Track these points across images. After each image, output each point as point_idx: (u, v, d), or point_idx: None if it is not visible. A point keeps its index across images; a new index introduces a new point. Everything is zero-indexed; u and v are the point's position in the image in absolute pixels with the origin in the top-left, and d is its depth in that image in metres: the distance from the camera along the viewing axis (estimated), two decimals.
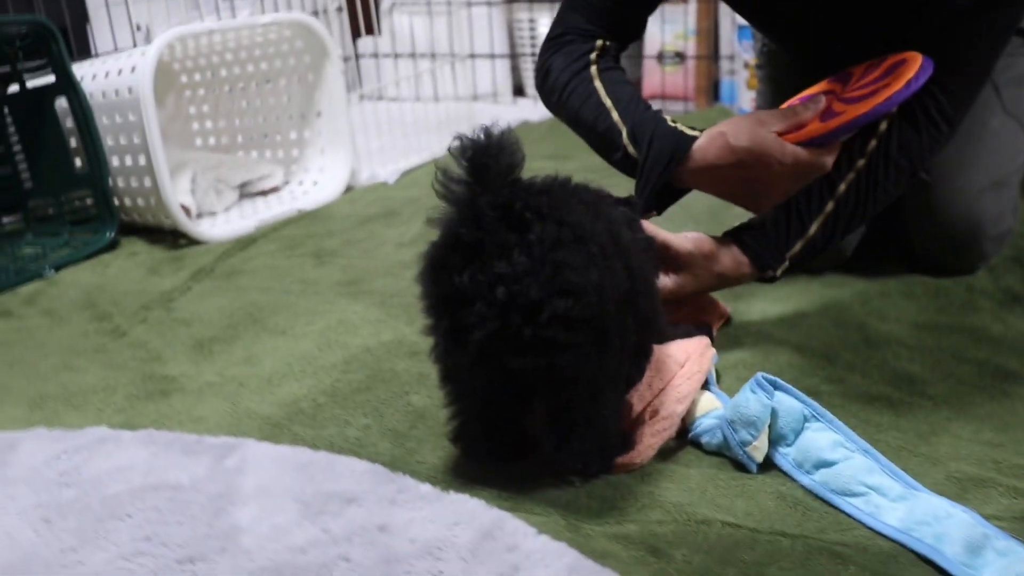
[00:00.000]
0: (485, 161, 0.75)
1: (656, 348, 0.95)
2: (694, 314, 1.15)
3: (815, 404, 0.90)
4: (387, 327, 1.23)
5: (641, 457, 0.88)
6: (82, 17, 2.02)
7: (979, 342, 1.10)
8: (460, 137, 0.76)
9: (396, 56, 2.71)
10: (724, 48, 2.52)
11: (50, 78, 1.60)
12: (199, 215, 1.76)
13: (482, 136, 0.75)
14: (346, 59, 2.78)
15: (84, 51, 1.99)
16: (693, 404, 0.93)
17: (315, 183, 1.91)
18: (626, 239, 0.85)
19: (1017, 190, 1.30)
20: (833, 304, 1.22)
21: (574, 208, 0.80)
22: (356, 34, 2.79)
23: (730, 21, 2.47)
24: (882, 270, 1.32)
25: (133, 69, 1.56)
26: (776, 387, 0.89)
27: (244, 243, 1.62)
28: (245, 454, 0.90)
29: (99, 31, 2.03)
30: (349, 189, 1.91)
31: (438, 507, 0.81)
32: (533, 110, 2.54)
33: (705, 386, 0.96)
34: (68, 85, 1.58)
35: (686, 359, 0.94)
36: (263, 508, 0.82)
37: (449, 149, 0.76)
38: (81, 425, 1.01)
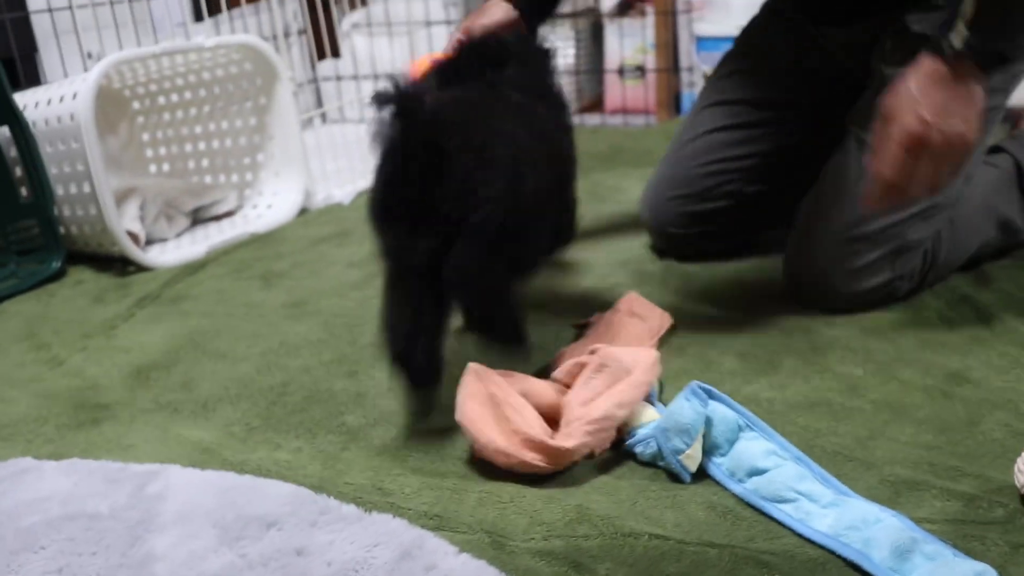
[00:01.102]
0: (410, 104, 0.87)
1: (604, 351, 0.94)
2: (635, 339, 1.12)
3: (749, 413, 0.88)
4: (328, 347, 1.21)
5: (573, 450, 0.86)
6: (31, 46, 2.00)
7: (924, 345, 1.09)
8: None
9: (357, 77, 2.70)
10: (683, 60, 2.52)
11: None
12: (149, 242, 1.74)
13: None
14: (308, 82, 2.77)
15: (34, 81, 1.97)
16: (632, 414, 0.91)
17: (269, 206, 1.89)
18: (550, 133, 1.06)
19: (898, 246, 1.18)
20: (781, 310, 1.21)
21: (495, 125, 0.96)
22: (320, 56, 2.78)
23: (688, 34, 2.47)
24: None
25: (75, 96, 1.54)
26: (711, 396, 0.88)
27: (193, 268, 1.60)
28: (168, 481, 0.88)
29: (49, 61, 2.01)
30: (304, 211, 1.89)
31: (359, 528, 0.79)
32: None
33: (648, 400, 0.94)
34: (10, 114, 1.56)
35: (634, 367, 0.93)
36: (181, 535, 0.80)
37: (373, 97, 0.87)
38: (8, 456, 0.99)
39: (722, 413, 0.86)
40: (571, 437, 0.86)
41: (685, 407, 0.85)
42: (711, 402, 0.87)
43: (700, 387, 0.88)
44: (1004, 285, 1.22)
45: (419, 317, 0.95)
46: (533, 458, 0.86)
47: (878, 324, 1.15)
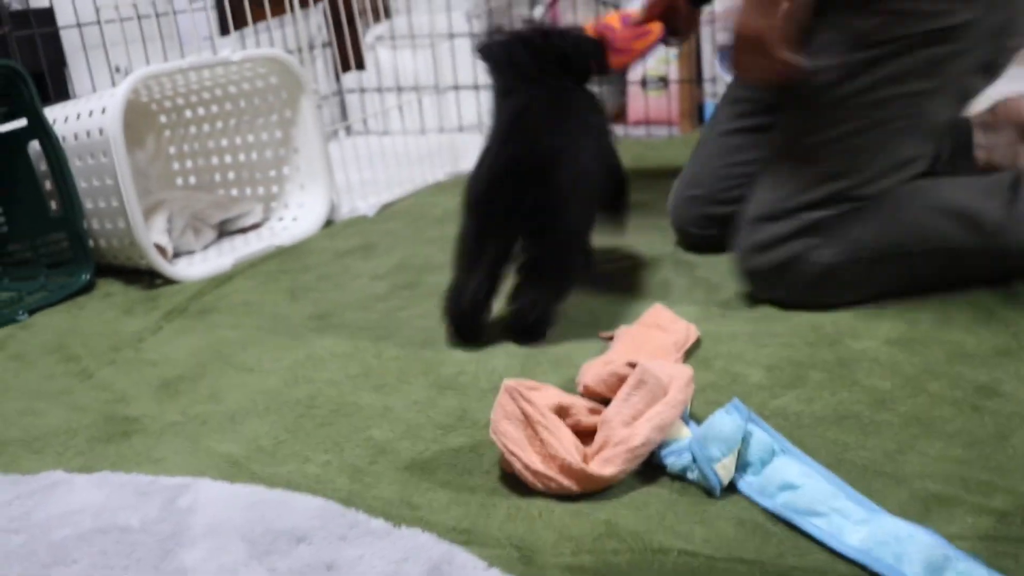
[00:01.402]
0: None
1: (643, 366, 0.94)
2: (661, 352, 1.12)
3: (784, 440, 0.89)
4: (354, 361, 1.22)
5: (611, 478, 0.86)
6: (60, 61, 2.03)
7: (952, 357, 1.08)
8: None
9: (380, 90, 2.71)
10: (706, 71, 2.51)
11: (22, 122, 1.60)
12: (176, 255, 1.76)
13: None
14: (333, 94, 2.79)
15: (63, 95, 2.00)
16: None
17: (294, 219, 1.90)
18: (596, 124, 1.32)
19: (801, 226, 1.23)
20: (805, 323, 1.20)
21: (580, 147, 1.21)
22: (345, 69, 2.80)
23: (711, 44, 2.47)
24: None
25: (103, 110, 1.56)
26: (750, 419, 0.88)
27: (219, 281, 1.61)
28: (198, 494, 0.89)
29: (77, 74, 2.03)
30: (329, 224, 1.90)
31: (388, 543, 0.79)
32: None
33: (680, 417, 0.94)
34: (40, 128, 1.58)
35: (670, 383, 0.92)
36: (211, 548, 0.80)
37: None
38: (40, 469, 1.00)
39: (759, 435, 0.86)
40: (610, 464, 0.86)
41: (726, 419, 0.85)
42: (750, 423, 0.87)
43: (741, 405, 0.88)
44: None
45: (482, 288, 1.21)
46: (570, 484, 0.85)
47: (905, 336, 1.14)
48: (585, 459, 0.88)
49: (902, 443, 0.91)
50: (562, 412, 0.93)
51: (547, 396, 0.94)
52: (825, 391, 1.03)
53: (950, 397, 0.99)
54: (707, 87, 2.53)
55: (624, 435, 0.88)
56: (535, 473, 0.87)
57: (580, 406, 0.95)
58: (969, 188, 1.25)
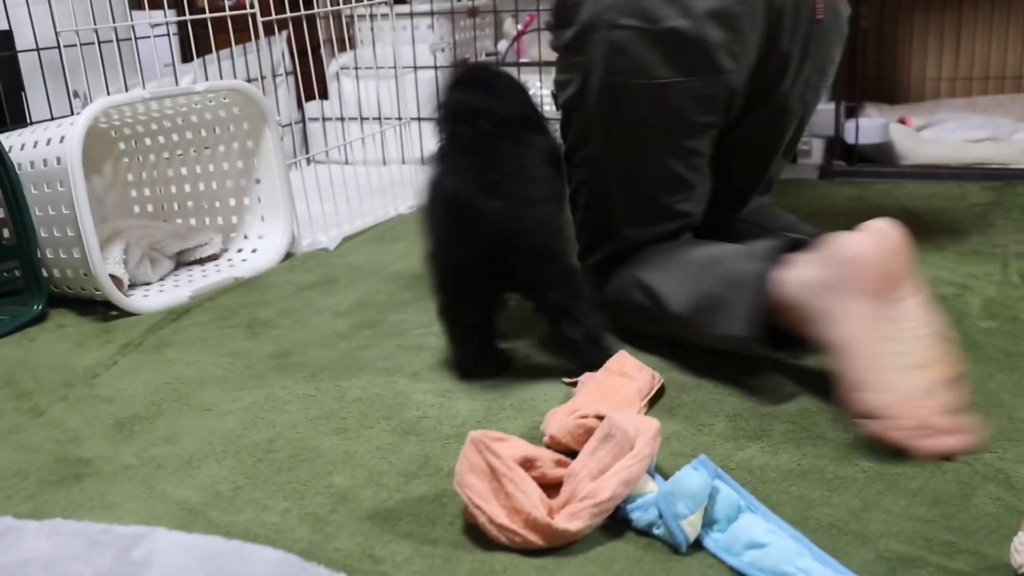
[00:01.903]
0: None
1: (610, 419, 0.93)
2: (625, 400, 1.11)
3: (751, 496, 0.88)
4: (315, 402, 1.20)
5: (577, 533, 0.86)
6: (17, 85, 1.99)
7: None
8: None
9: (342, 120, 2.70)
10: None
11: None
12: (132, 285, 1.73)
13: None
14: (295, 123, 2.77)
15: (19, 119, 1.96)
16: None
17: (254, 250, 1.88)
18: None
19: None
20: (768, 370, 1.21)
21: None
22: (307, 98, 2.78)
23: None
24: None
25: (62, 139, 1.53)
26: (716, 475, 0.88)
27: (176, 314, 1.58)
28: (153, 545, 0.87)
29: (35, 99, 2.00)
30: (289, 256, 1.88)
31: None
32: None
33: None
34: None
35: (636, 436, 0.91)
36: None
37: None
38: None
39: (726, 491, 0.86)
40: (577, 519, 0.85)
41: (693, 475, 0.85)
42: (716, 479, 0.86)
43: (708, 461, 0.88)
44: (989, 352, 1.23)
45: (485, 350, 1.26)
46: (536, 539, 0.84)
47: None
48: (550, 512, 0.87)
49: (867, 500, 0.91)
50: (528, 464, 0.92)
51: (513, 448, 0.93)
52: (789, 443, 1.03)
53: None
54: None
55: (591, 489, 0.87)
56: (500, 527, 0.86)
57: (546, 458, 0.94)
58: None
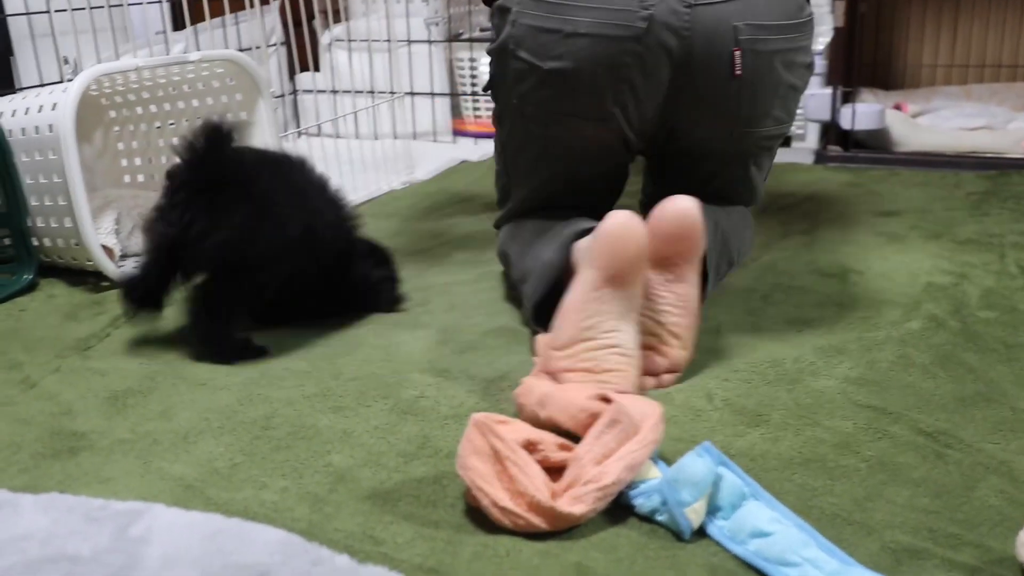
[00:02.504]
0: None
1: (617, 404, 0.93)
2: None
3: (755, 484, 0.88)
4: (311, 379, 1.19)
5: (580, 517, 0.85)
6: (6, 49, 1.96)
7: (910, 401, 1.09)
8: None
9: (335, 92, 2.67)
10: None
11: None
12: (123, 256, 1.70)
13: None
14: (284, 95, 2.74)
15: (7, 84, 1.93)
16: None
17: None
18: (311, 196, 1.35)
19: None
20: (765, 358, 1.20)
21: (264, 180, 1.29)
22: (303, 69, 2.75)
23: None
24: (815, 323, 1.31)
25: (54, 106, 1.51)
26: (721, 462, 0.88)
27: None
28: (152, 522, 0.85)
29: (24, 64, 1.97)
30: None
31: None
32: (473, 150, 2.52)
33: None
34: None
35: (642, 422, 0.91)
36: None
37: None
38: None
39: (730, 478, 0.85)
40: (580, 503, 0.84)
41: (698, 462, 0.84)
42: (720, 466, 0.86)
43: (713, 448, 0.87)
44: (989, 343, 1.23)
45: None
46: (539, 522, 0.84)
47: (864, 377, 1.15)
48: (553, 495, 0.87)
49: (870, 490, 0.91)
50: (531, 447, 0.92)
51: (516, 431, 0.92)
52: (789, 431, 1.03)
53: (912, 443, 1.00)
54: None
55: (595, 473, 0.87)
56: (503, 510, 0.85)
57: (549, 441, 0.93)
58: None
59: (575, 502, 0.85)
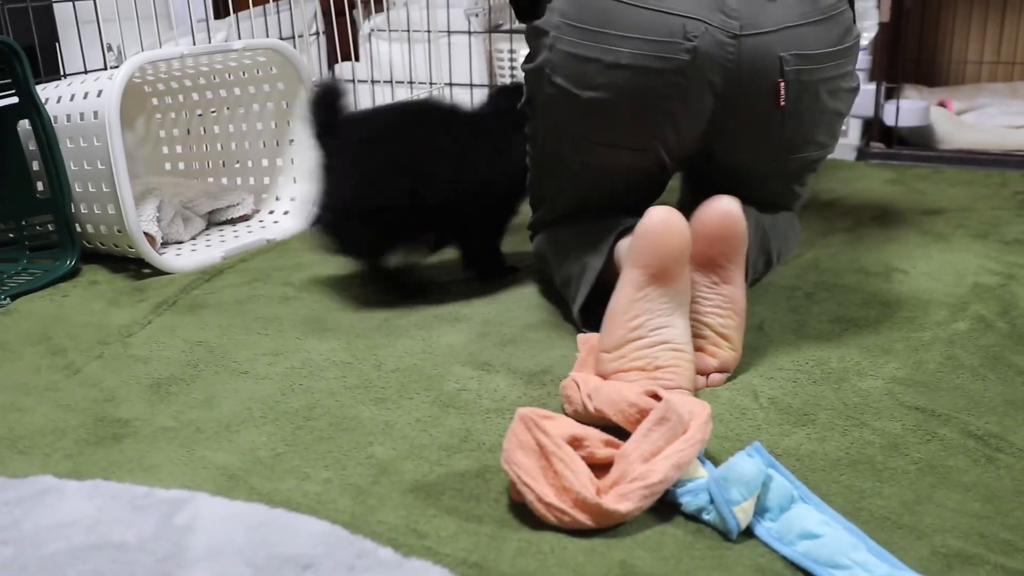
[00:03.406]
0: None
1: (667, 401, 0.92)
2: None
3: (803, 487, 0.87)
4: (353, 371, 1.19)
5: (626, 514, 0.84)
6: (52, 35, 1.97)
7: (959, 403, 1.07)
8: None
9: (374, 82, 2.67)
10: None
11: (13, 99, 1.55)
12: (164, 243, 1.71)
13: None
14: None
15: (52, 70, 1.94)
16: None
17: (286, 212, 1.86)
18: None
19: None
20: (811, 357, 1.19)
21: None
22: (335, 59, 2.75)
23: None
24: (860, 323, 1.29)
25: (100, 93, 1.51)
26: (770, 464, 0.87)
27: (209, 274, 1.57)
28: (196, 511, 0.86)
29: (69, 50, 1.98)
30: None
31: (398, 575, 0.77)
32: None
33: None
34: (31, 107, 1.53)
35: (690, 420, 0.90)
36: (212, 572, 0.77)
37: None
38: (26, 471, 0.96)
39: (779, 480, 0.84)
40: (626, 500, 0.84)
41: (748, 462, 0.83)
42: (770, 467, 0.85)
43: (762, 449, 0.86)
44: None
45: None
46: (584, 518, 0.83)
47: (911, 377, 1.13)
48: (598, 492, 0.86)
49: (919, 493, 0.90)
50: (576, 443, 0.91)
51: (561, 426, 0.91)
52: (836, 431, 1.02)
53: (962, 445, 0.98)
54: None
55: (642, 471, 0.86)
56: (548, 506, 0.84)
57: (594, 438, 0.92)
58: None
59: (621, 499, 0.85)
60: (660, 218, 1.07)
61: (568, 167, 1.30)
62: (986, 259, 1.53)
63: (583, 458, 0.89)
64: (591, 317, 1.20)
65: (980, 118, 2.41)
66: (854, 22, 1.27)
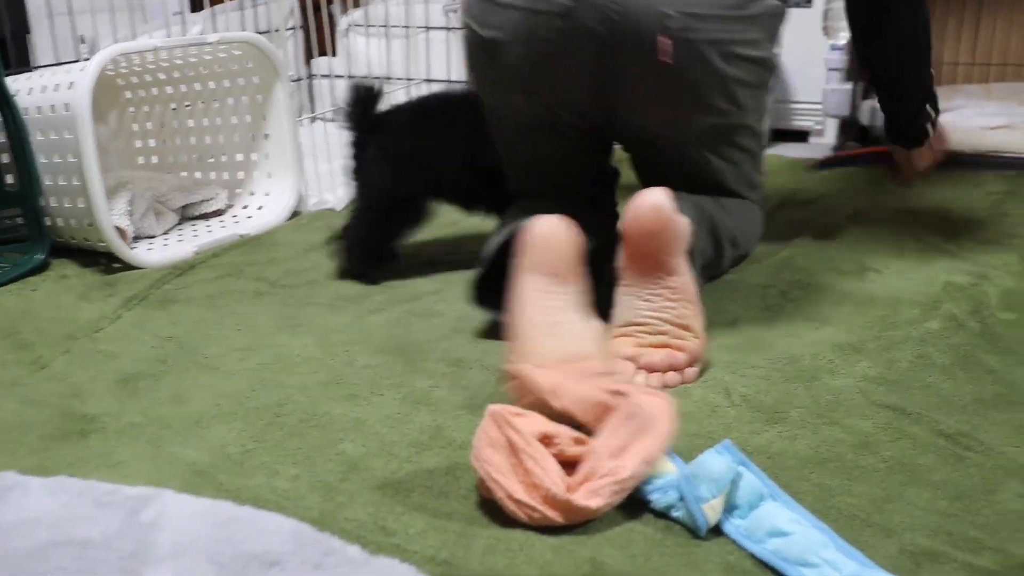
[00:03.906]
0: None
1: (631, 399, 0.92)
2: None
3: (773, 485, 0.87)
4: (324, 367, 1.18)
5: (596, 510, 0.84)
6: (23, 27, 1.95)
7: (930, 401, 1.07)
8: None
9: (351, 78, 2.66)
10: None
11: None
12: (136, 238, 1.70)
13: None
14: (299, 80, 2.73)
15: (24, 62, 1.92)
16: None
17: (260, 207, 1.85)
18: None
19: None
20: (783, 355, 1.19)
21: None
22: (320, 53, 2.74)
23: None
24: (833, 321, 1.29)
25: (71, 85, 1.50)
26: (741, 462, 0.87)
27: (181, 269, 1.56)
28: (163, 508, 0.85)
29: (40, 42, 1.96)
30: (296, 214, 1.85)
31: (365, 573, 0.76)
32: None
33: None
34: (1, 99, 1.51)
35: (657, 415, 0.90)
36: (177, 570, 0.76)
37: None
38: None
39: (749, 478, 0.84)
40: (597, 496, 0.83)
41: (717, 459, 0.83)
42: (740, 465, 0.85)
43: (733, 446, 0.86)
44: (1009, 344, 1.21)
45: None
46: (554, 515, 0.83)
47: (883, 376, 1.13)
48: (569, 489, 0.86)
49: (888, 491, 0.90)
50: (547, 441, 0.90)
51: (532, 423, 0.91)
52: (807, 429, 1.02)
53: (932, 444, 0.98)
54: None
55: (612, 467, 0.86)
56: (518, 503, 0.84)
57: (565, 435, 0.92)
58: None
59: (591, 496, 0.84)
60: (544, 225, 1.12)
61: (494, 123, 1.39)
62: (959, 259, 1.53)
63: (554, 455, 0.89)
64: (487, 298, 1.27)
65: (955, 119, 2.42)
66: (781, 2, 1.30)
